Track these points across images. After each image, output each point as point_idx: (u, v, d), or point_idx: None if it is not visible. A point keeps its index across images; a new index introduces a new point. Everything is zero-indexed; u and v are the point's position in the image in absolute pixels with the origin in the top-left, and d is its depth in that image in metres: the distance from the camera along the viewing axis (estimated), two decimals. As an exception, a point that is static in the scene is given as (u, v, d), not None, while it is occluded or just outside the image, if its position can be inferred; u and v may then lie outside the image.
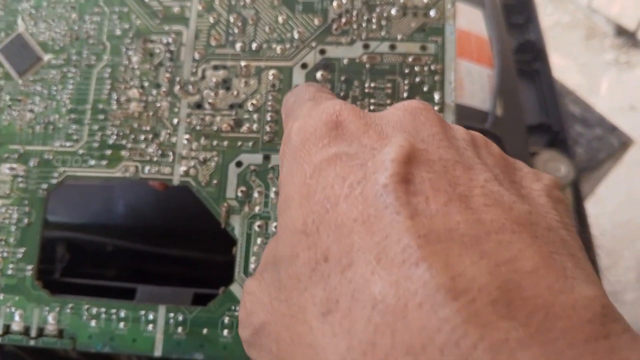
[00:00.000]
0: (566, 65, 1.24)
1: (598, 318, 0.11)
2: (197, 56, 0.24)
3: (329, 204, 0.13)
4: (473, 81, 0.38)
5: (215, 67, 0.23)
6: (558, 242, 0.13)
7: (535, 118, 0.49)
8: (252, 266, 0.22)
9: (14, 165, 0.24)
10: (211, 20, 0.24)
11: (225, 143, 0.23)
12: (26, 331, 0.22)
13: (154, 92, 0.24)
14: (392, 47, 0.23)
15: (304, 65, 0.23)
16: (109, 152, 0.23)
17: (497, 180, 0.14)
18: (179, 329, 0.22)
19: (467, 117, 0.36)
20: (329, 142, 0.15)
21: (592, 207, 0.97)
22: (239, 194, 0.22)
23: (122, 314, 0.22)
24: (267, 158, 0.22)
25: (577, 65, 1.25)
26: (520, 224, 0.12)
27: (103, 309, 0.22)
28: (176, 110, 0.23)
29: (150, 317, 0.22)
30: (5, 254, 0.23)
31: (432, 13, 0.23)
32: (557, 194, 0.15)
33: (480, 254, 0.11)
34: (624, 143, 0.52)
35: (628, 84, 1.22)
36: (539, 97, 0.51)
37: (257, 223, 0.22)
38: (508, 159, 0.16)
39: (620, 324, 0.11)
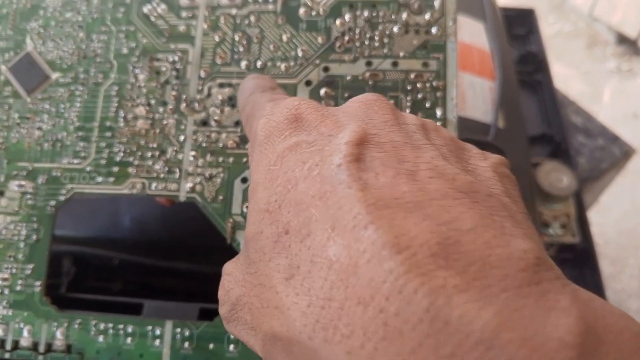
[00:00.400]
0: (568, 74, 1.25)
1: (531, 267, 0.12)
2: (203, 74, 0.24)
3: (289, 185, 0.15)
4: (475, 94, 0.38)
5: (221, 85, 0.24)
6: (499, 206, 0.14)
7: (538, 129, 0.49)
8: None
9: (23, 182, 0.24)
10: (216, 38, 0.24)
11: (231, 159, 0.23)
12: (35, 346, 0.23)
13: (161, 109, 0.24)
14: (395, 64, 0.23)
15: (308, 83, 0.23)
16: (116, 169, 0.24)
17: (443, 157, 0.15)
18: (186, 344, 0.22)
19: (470, 129, 0.36)
20: (290, 133, 0.16)
21: (597, 215, 0.97)
22: (245, 210, 0.22)
23: (130, 329, 0.22)
24: (272, 174, 0.23)
25: (580, 74, 1.25)
26: (462, 191, 0.14)
27: (110, 324, 0.22)
28: (182, 127, 0.24)
29: (157, 332, 0.22)
30: (14, 270, 0.23)
31: (433, 30, 0.23)
32: (504, 170, 0.16)
33: (424, 216, 0.13)
34: (626, 153, 0.52)
35: (630, 92, 1.23)
36: (541, 108, 0.51)
37: (263, 239, 0.22)
38: (457, 141, 0.17)
39: (552, 273, 0.12)
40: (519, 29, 0.57)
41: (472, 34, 0.42)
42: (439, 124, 0.22)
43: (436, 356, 0.11)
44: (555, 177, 0.44)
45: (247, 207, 0.22)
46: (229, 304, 0.17)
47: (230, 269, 0.17)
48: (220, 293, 0.17)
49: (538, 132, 0.49)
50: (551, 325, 0.11)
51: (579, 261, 0.43)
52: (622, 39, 1.29)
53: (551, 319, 0.11)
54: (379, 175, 0.14)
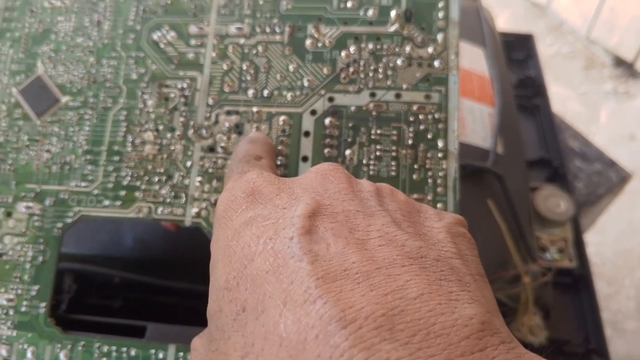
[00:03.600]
0: (566, 95, 1.26)
1: (475, 334, 0.12)
2: (210, 101, 0.25)
3: (246, 261, 0.15)
4: (475, 119, 0.39)
5: (228, 112, 0.24)
6: (447, 270, 0.14)
7: (536, 153, 0.50)
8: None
9: (30, 204, 0.25)
10: (225, 67, 0.25)
11: (236, 186, 0.23)
12: (38, 368, 0.23)
13: (169, 135, 0.24)
14: (398, 95, 0.24)
15: (313, 112, 0.24)
16: (123, 192, 0.24)
17: (394, 223, 0.16)
18: (188, 368, 0.22)
19: (469, 155, 0.36)
20: (247, 207, 0.17)
21: (594, 236, 0.98)
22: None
23: (133, 352, 0.23)
24: (276, 201, 0.23)
25: (577, 95, 1.26)
26: (410, 257, 0.14)
27: (114, 347, 0.23)
28: (189, 153, 0.24)
29: (160, 355, 0.22)
30: (19, 291, 0.24)
31: (436, 64, 0.24)
32: (458, 230, 0.17)
33: (371, 286, 0.13)
34: (623, 178, 0.53)
35: (627, 113, 1.24)
36: (539, 132, 0.52)
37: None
38: (413, 203, 0.18)
39: (497, 337, 0.12)
40: (518, 54, 0.57)
41: (471, 59, 0.42)
42: (440, 155, 0.23)
43: None
44: (553, 202, 0.44)
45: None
46: None
47: (196, 344, 0.18)
48: None
49: (536, 156, 0.50)
50: None
51: (575, 285, 0.43)
52: (619, 62, 1.30)
53: None
54: (330, 246, 0.14)
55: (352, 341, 0.12)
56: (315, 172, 0.18)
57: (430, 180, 0.23)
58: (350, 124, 0.24)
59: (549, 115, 0.52)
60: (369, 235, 0.15)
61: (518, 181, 0.40)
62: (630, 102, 1.26)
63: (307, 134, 0.24)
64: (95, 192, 0.24)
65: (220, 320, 0.15)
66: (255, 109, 0.24)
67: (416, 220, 0.17)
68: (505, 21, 1.38)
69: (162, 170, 0.24)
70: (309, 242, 0.14)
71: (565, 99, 1.24)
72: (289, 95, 0.24)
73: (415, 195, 0.23)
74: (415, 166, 0.23)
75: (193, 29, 0.25)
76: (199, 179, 0.24)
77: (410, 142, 0.23)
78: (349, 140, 0.23)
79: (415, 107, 0.24)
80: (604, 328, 0.41)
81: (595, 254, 1.00)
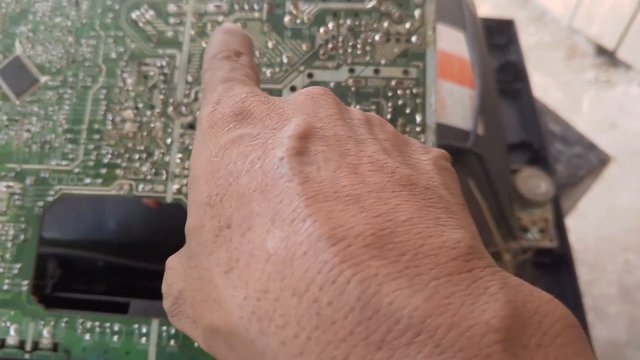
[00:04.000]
0: (548, 84, 1.27)
1: (463, 256, 0.12)
2: (189, 79, 0.25)
3: (231, 178, 0.15)
4: (455, 101, 0.39)
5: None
6: (435, 198, 0.14)
7: (517, 136, 0.50)
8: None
9: (11, 183, 0.25)
10: (203, 44, 0.25)
11: (217, 162, 0.24)
12: (21, 345, 0.23)
13: (148, 113, 0.25)
14: (376, 71, 0.24)
15: (292, 88, 0.24)
16: (104, 170, 0.24)
17: (384, 151, 0.16)
18: (172, 342, 0.22)
19: (449, 136, 0.37)
20: (235, 125, 0.16)
21: (575, 222, 0.99)
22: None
23: (116, 327, 0.23)
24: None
25: (559, 84, 1.28)
26: (400, 184, 0.14)
27: (97, 323, 0.23)
28: (169, 130, 0.24)
29: (144, 330, 0.23)
30: (1, 270, 0.24)
31: (413, 39, 0.24)
32: (444, 164, 0.17)
33: (361, 209, 0.13)
34: (603, 160, 0.54)
35: (608, 102, 1.25)
36: (520, 116, 0.52)
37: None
38: (401, 135, 0.18)
39: (484, 261, 0.13)
40: (499, 39, 0.58)
41: (452, 43, 0.43)
42: (418, 129, 0.23)
43: (366, 343, 0.11)
44: (534, 183, 0.45)
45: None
46: (171, 298, 0.17)
47: (172, 262, 0.17)
48: (164, 287, 0.18)
49: (517, 139, 0.50)
50: (479, 310, 0.11)
51: (556, 265, 0.44)
52: (601, 51, 1.32)
53: (479, 304, 0.11)
54: (320, 169, 0.14)
55: (342, 257, 0.12)
56: (305, 95, 0.17)
57: (408, 154, 0.23)
58: (329, 100, 0.24)
59: (529, 100, 0.53)
60: (360, 160, 0.15)
61: (498, 162, 0.40)
62: (612, 91, 1.28)
63: (286, 109, 0.24)
64: (76, 170, 0.24)
65: (201, 236, 0.15)
66: (235, 86, 0.24)
67: (404, 151, 0.17)
68: (487, 10, 1.39)
69: (142, 148, 0.24)
70: (300, 164, 0.14)
71: (547, 88, 1.26)
72: (268, 72, 0.24)
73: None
74: (394, 140, 0.23)
75: (172, 7, 0.25)
76: (180, 155, 0.24)
77: (389, 116, 0.24)
78: (329, 115, 0.24)
79: (393, 83, 0.24)
80: (585, 308, 0.42)
81: (576, 240, 1.01)
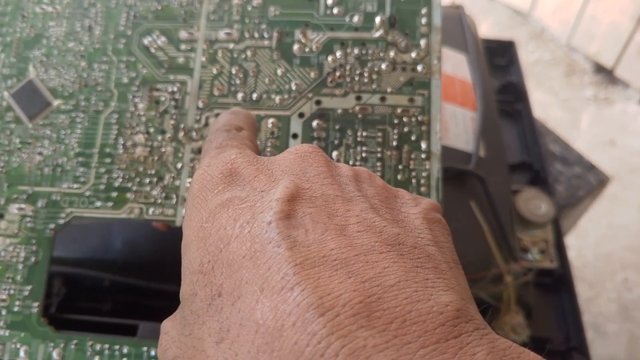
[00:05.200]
0: (548, 101, 1.28)
1: (450, 321, 0.12)
2: (200, 104, 0.25)
3: (222, 244, 0.15)
4: (457, 124, 0.40)
5: (218, 115, 0.25)
6: (423, 257, 0.14)
7: (517, 157, 0.51)
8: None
9: (23, 206, 0.25)
10: (214, 71, 0.25)
11: (226, 187, 0.24)
12: (31, 366, 0.23)
13: (159, 137, 0.25)
14: (383, 99, 0.25)
15: (301, 115, 0.25)
16: (114, 194, 0.25)
17: (373, 209, 0.16)
18: (180, 365, 0.23)
19: (452, 158, 0.37)
20: (224, 188, 0.16)
21: (575, 240, 0.99)
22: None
23: (125, 350, 0.23)
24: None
25: (558, 101, 1.29)
26: (388, 244, 0.14)
27: (106, 345, 0.23)
28: (180, 155, 0.25)
29: (152, 353, 0.23)
30: (12, 292, 0.24)
31: (419, 68, 0.25)
32: (434, 216, 0.17)
33: (349, 273, 0.13)
34: (602, 181, 0.54)
35: (607, 119, 1.26)
36: (521, 137, 0.53)
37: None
38: (390, 189, 0.18)
39: (472, 324, 0.13)
40: (500, 60, 0.59)
41: (454, 65, 0.43)
42: (423, 156, 0.24)
43: None
44: (534, 204, 0.45)
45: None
46: None
47: (167, 327, 0.17)
48: (158, 351, 0.17)
49: (518, 160, 0.51)
50: None
51: (556, 286, 0.44)
52: (599, 68, 1.33)
53: None
54: (308, 232, 0.14)
55: (330, 328, 0.12)
56: (294, 154, 0.18)
57: (414, 180, 0.24)
58: (337, 127, 0.24)
59: (530, 120, 0.53)
60: (348, 220, 0.15)
61: (500, 184, 0.41)
62: (611, 108, 1.29)
63: (295, 136, 0.24)
64: (87, 193, 0.25)
65: (194, 304, 0.15)
66: (244, 112, 0.25)
67: (393, 206, 0.17)
68: (487, 28, 1.40)
69: (153, 172, 0.25)
70: (287, 227, 0.14)
71: (547, 105, 1.27)
72: (277, 99, 0.25)
73: (399, 195, 0.23)
74: (400, 167, 0.24)
75: (183, 34, 0.26)
76: (189, 180, 0.24)
77: (394, 143, 0.24)
78: (336, 142, 0.24)
79: (399, 110, 0.24)
80: (585, 327, 0.42)
81: (576, 257, 1.02)
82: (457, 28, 0.47)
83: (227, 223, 0.15)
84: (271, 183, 0.16)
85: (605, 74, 1.33)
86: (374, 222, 0.15)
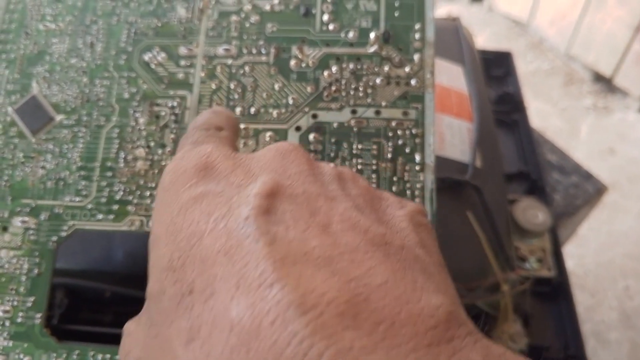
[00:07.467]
0: (547, 111, 1.29)
1: (442, 324, 0.12)
2: (199, 119, 0.26)
3: (194, 239, 0.14)
4: (453, 134, 0.40)
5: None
6: (411, 259, 0.14)
7: (514, 166, 0.51)
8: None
9: (26, 219, 0.26)
10: (213, 86, 0.26)
11: (225, 199, 0.25)
12: (34, 377, 0.24)
13: (160, 151, 0.26)
14: (377, 112, 0.25)
15: (297, 128, 0.25)
16: (116, 207, 0.25)
17: (357, 209, 0.15)
18: (180, 374, 0.23)
19: (448, 169, 0.38)
20: (197, 181, 0.15)
21: (576, 248, 1.00)
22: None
23: (126, 360, 0.23)
24: (263, 213, 0.24)
25: (558, 111, 1.29)
26: (374, 244, 0.14)
27: (108, 355, 0.24)
28: (179, 168, 0.25)
29: (153, 363, 0.23)
30: (15, 303, 0.25)
31: (413, 82, 0.25)
32: (420, 219, 0.16)
33: (332, 272, 0.12)
34: (599, 190, 0.55)
35: (606, 128, 1.27)
36: (518, 147, 0.54)
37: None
38: (374, 190, 0.17)
39: (464, 328, 0.12)
40: (497, 71, 0.59)
41: (451, 77, 0.44)
42: (417, 167, 0.24)
43: None
44: (531, 213, 0.46)
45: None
46: None
47: (131, 328, 0.16)
48: (120, 354, 0.16)
49: (515, 169, 0.51)
50: None
51: (554, 294, 0.44)
52: (598, 78, 1.34)
53: None
54: (289, 229, 0.13)
55: (313, 328, 0.11)
56: (275, 151, 0.17)
57: (408, 192, 0.24)
58: (333, 140, 0.25)
59: (527, 130, 0.54)
60: (331, 219, 0.14)
61: (496, 194, 0.41)
62: (610, 117, 1.29)
63: (292, 149, 0.25)
64: (89, 206, 0.25)
65: (162, 303, 0.14)
66: (242, 126, 0.25)
67: (378, 207, 0.16)
68: (486, 39, 1.41)
69: (153, 185, 0.25)
70: (266, 223, 0.13)
71: (546, 114, 1.27)
72: (274, 113, 0.25)
73: (394, 206, 0.24)
74: (395, 178, 0.24)
75: (182, 50, 0.27)
76: (189, 192, 0.25)
77: (389, 156, 0.25)
78: (332, 154, 0.25)
79: (393, 123, 0.25)
80: (583, 335, 0.42)
81: (577, 265, 1.02)
82: (454, 40, 0.48)
83: (200, 217, 0.14)
84: (249, 178, 0.15)
85: (604, 83, 1.33)
86: (359, 220, 0.14)
